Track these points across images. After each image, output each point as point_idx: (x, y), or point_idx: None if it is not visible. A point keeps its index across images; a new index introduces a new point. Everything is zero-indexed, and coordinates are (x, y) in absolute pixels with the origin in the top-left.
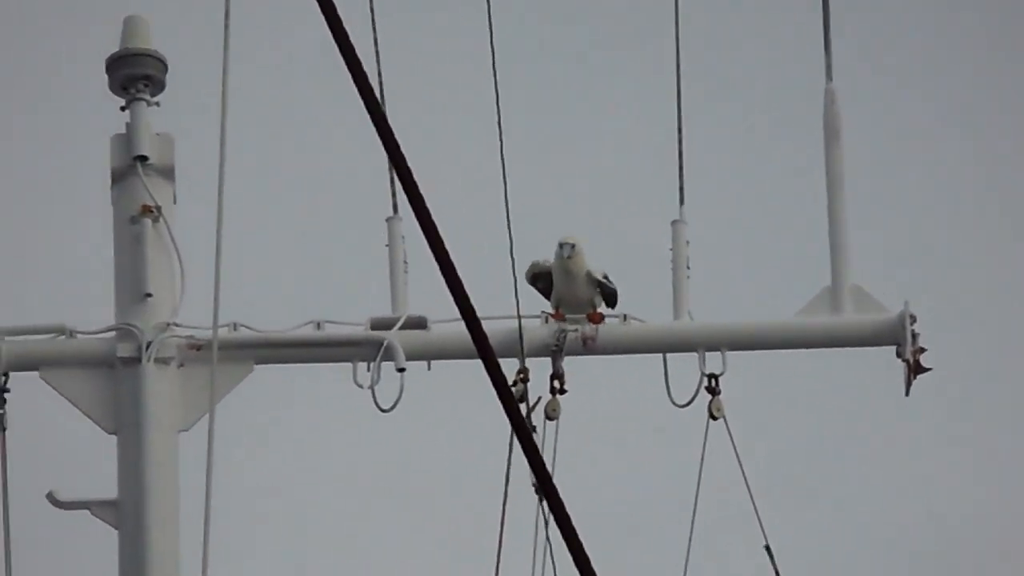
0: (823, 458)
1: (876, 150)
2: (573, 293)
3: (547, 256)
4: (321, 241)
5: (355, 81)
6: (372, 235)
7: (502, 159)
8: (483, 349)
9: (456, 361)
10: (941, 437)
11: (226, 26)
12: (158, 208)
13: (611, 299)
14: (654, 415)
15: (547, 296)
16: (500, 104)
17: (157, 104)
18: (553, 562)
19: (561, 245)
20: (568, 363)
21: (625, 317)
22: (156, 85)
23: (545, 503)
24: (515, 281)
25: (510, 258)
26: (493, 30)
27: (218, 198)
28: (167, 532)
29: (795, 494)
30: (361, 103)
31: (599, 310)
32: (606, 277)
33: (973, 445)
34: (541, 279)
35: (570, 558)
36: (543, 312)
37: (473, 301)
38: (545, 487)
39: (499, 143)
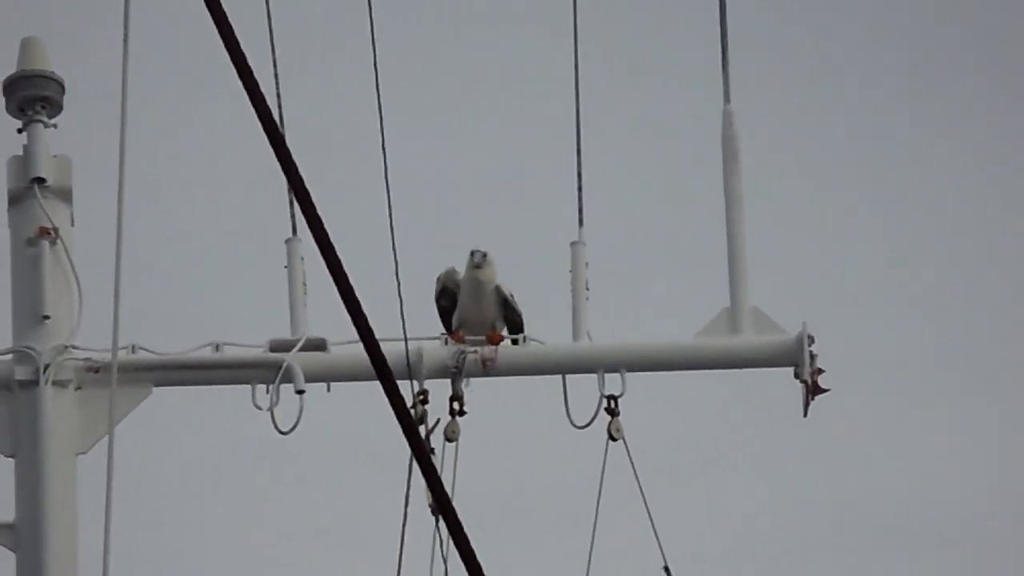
0: (721, 477)
1: (775, 171)
2: (478, 310)
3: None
4: (220, 262)
5: (253, 103)
6: (271, 256)
7: (386, 182)
8: (381, 371)
9: (356, 383)
10: (837, 456)
11: (125, 48)
12: (55, 230)
13: (517, 326)
14: (554, 436)
15: (448, 316)
16: (384, 129)
17: (55, 126)
18: None
19: (472, 253)
20: (470, 384)
21: (525, 338)
22: (53, 107)
23: (443, 524)
24: (400, 302)
25: (395, 279)
26: (376, 50)
27: (117, 220)
28: (65, 555)
29: (693, 513)
30: (260, 125)
31: (500, 333)
32: (512, 296)
33: (872, 461)
34: (446, 295)
35: None
36: (442, 334)
37: (373, 323)
38: (444, 508)
39: (384, 167)
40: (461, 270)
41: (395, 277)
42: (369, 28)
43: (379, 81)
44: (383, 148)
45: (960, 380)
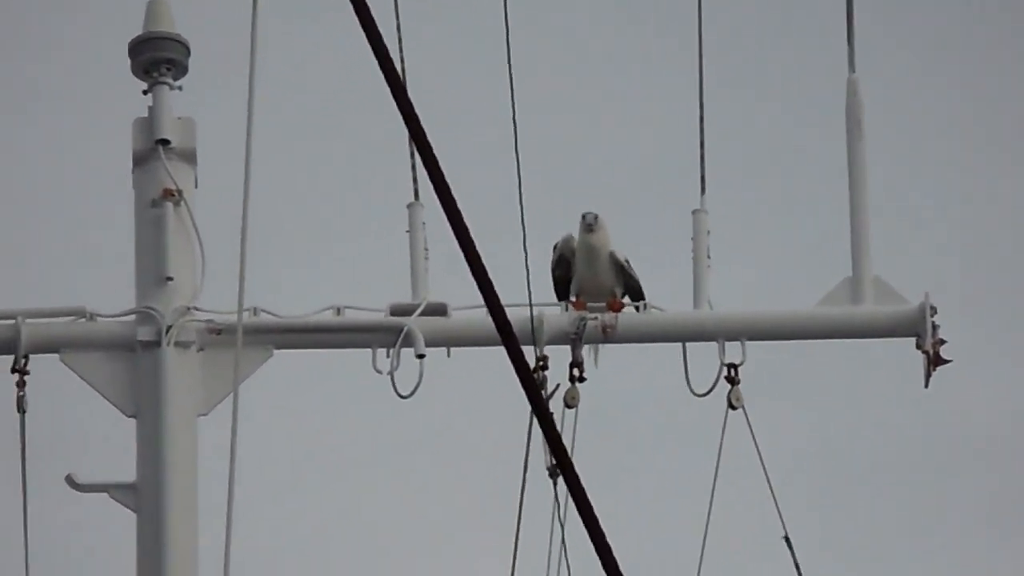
0: (843, 448)
1: (900, 142)
2: (595, 277)
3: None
4: (342, 226)
5: (381, 67)
6: (394, 221)
7: (516, 154)
8: (506, 335)
9: (475, 348)
10: (959, 430)
11: (254, 10)
12: (179, 192)
13: (635, 291)
14: (673, 404)
15: (563, 285)
16: (515, 97)
17: (180, 88)
18: (564, 546)
19: (584, 216)
20: (589, 355)
21: (645, 306)
22: (178, 69)
23: (562, 485)
24: (527, 270)
25: (523, 250)
26: (509, 22)
27: (244, 183)
28: (186, 515)
29: (815, 485)
30: (387, 89)
31: (620, 300)
32: (628, 262)
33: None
34: (562, 265)
35: (589, 540)
36: (564, 301)
37: (495, 288)
38: (565, 471)
39: (514, 136)
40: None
41: (523, 247)
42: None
43: (509, 54)
44: (513, 119)
45: None
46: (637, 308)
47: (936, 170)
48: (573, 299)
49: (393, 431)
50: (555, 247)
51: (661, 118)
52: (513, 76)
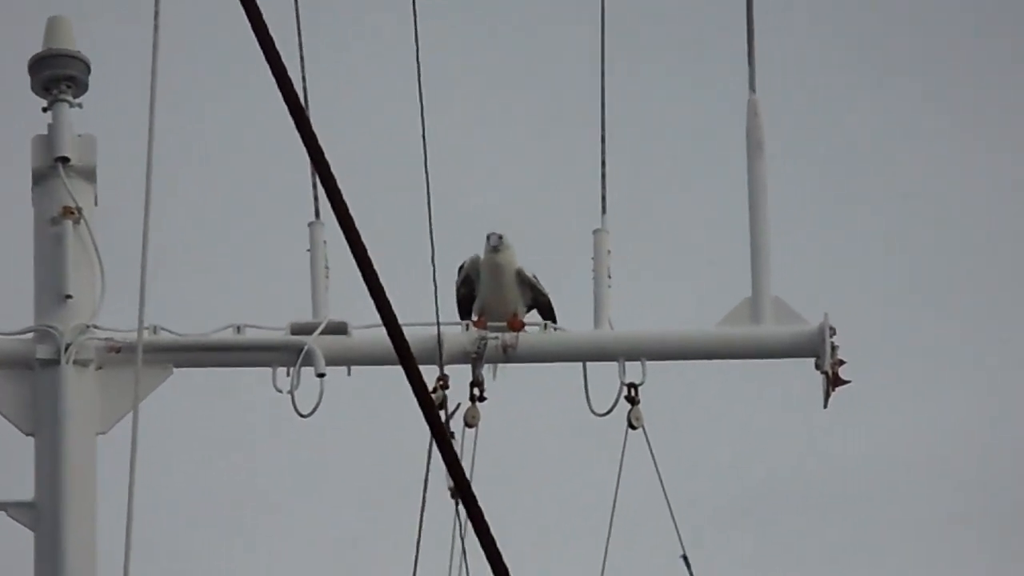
0: (741, 467)
1: (800, 162)
2: (500, 296)
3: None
4: (242, 245)
5: (279, 85)
6: (294, 240)
7: (426, 169)
8: (404, 355)
9: (376, 367)
10: (859, 449)
11: (155, 27)
12: (79, 209)
13: (546, 308)
14: (573, 424)
15: (466, 304)
16: (424, 112)
17: (80, 105)
18: (467, 567)
19: (488, 236)
20: (489, 371)
21: (546, 325)
22: (79, 86)
23: (463, 508)
24: (435, 287)
25: (431, 265)
26: (419, 39)
27: (145, 200)
28: (84, 534)
29: (715, 507)
30: (285, 107)
31: (522, 319)
32: (536, 278)
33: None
34: (467, 284)
35: (487, 564)
36: (466, 320)
37: (394, 307)
38: (463, 493)
39: (423, 152)
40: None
41: (431, 263)
42: (412, 16)
43: (420, 71)
44: (423, 138)
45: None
46: (544, 326)
47: (839, 190)
48: (475, 318)
49: (294, 450)
50: (461, 267)
51: (563, 139)
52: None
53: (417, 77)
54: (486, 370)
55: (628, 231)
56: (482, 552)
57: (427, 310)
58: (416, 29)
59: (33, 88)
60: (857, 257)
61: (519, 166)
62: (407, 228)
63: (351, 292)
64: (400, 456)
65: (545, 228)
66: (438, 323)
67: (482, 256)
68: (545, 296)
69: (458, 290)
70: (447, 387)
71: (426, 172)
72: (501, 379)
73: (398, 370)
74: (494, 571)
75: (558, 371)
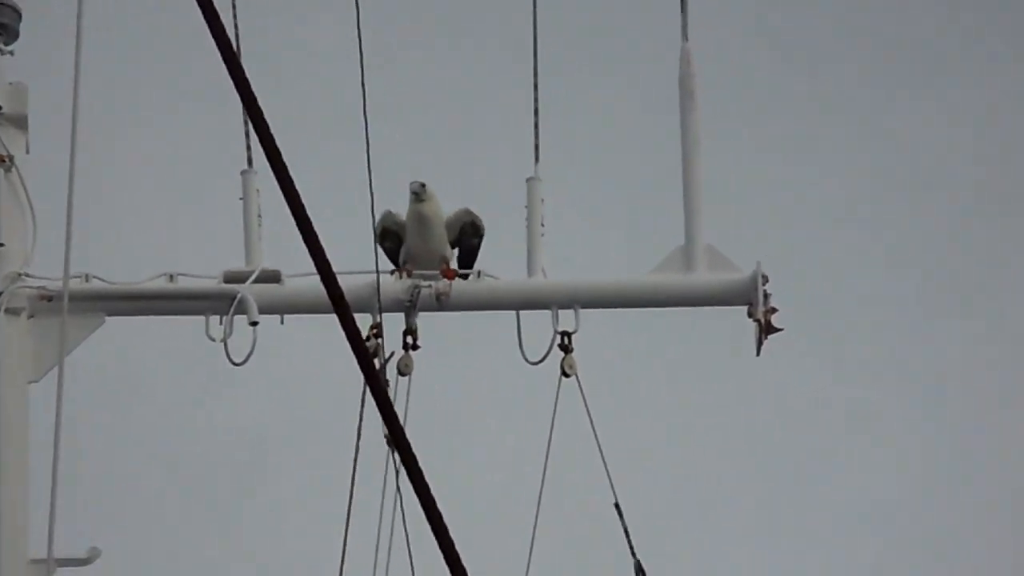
0: (673, 415)
1: (732, 110)
2: (426, 245)
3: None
4: (175, 193)
5: (211, 31)
6: (227, 188)
7: (365, 115)
8: (338, 304)
9: (310, 316)
10: (787, 395)
11: None
12: (11, 158)
13: (472, 252)
14: (508, 373)
15: (394, 258)
16: (363, 58)
17: (11, 53)
18: (403, 513)
19: (411, 184)
20: (423, 319)
21: (479, 273)
22: (10, 34)
23: (397, 456)
24: (375, 236)
25: (370, 213)
26: None
27: (71, 146)
28: (15, 482)
29: (643, 451)
30: (218, 53)
31: (452, 268)
32: (472, 212)
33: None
34: (390, 237)
35: (420, 509)
36: (393, 269)
37: (328, 256)
38: (397, 440)
39: (362, 98)
40: (399, 210)
41: (370, 212)
42: None
43: (359, 15)
44: (363, 84)
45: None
46: (466, 276)
47: (772, 139)
48: (401, 266)
49: (229, 399)
50: (376, 224)
51: (497, 87)
52: (361, 40)
53: (356, 22)
54: (419, 321)
55: (561, 179)
56: (416, 499)
57: (357, 260)
58: None
59: None
60: (791, 206)
61: (453, 113)
62: (340, 177)
63: (286, 241)
64: (335, 405)
65: (478, 176)
66: (377, 271)
67: (396, 210)
68: (482, 230)
69: (382, 244)
70: (381, 336)
71: (365, 117)
72: (434, 327)
73: (332, 319)
74: (428, 518)
75: (491, 319)
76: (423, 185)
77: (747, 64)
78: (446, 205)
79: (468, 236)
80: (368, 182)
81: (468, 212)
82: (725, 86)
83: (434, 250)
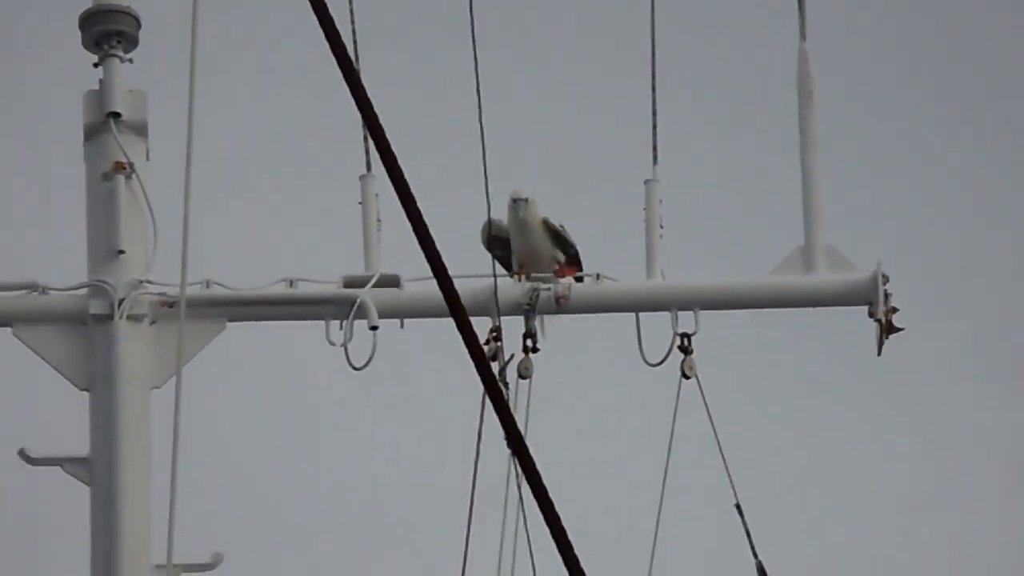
0: (795, 416)
1: (852, 110)
2: (532, 249)
3: (501, 217)
4: (295, 199)
5: (328, 38)
6: (346, 193)
7: (480, 122)
8: (455, 308)
9: (429, 320)
10: (909, 398)
11: None
12: (131, 165)
13: (572, 258)
14: (627, 374)
15: (505, 264)
16: (478, 64)
17: (130, 60)
18: (525, 518)
19: (514, 200)
20: (539, 325)
21: (598, 276)
22: (129, 41)
23: (516, 461)
24: (492, 238)
25: (487, 216)
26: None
27: (187, 155)
28: (139, 488)
29: (768, 453)
30: (334, 60)
31: (565, 267)
32: (563, 228)
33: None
34: (497, 245)
35: (541, 514)
36: (512, 273)
37: (446, 259)
38: (516, 445)
39: (477, 106)
40: (500, 217)
41: (487, 214)
42: None
43: (473, 24)
44: (477, 90)
45: None
46: (579, 279)
47: (895, 133)
48: (518, 270)
49: (349, 403)
50: (481, 232)
51: (614, 89)
52: (475, 50)
53: (471, 29)
54: (539, 324)
55: (680, 180)
56: (536, 503)
57: (479, 262)
58: None
59: (84, 44)
60: (909, 207)
61: (570, 116)
62: (459, 180)
63: (404, 245)
64: (456, 409)
65: (596, 178)
66: (495, 275)
67: (495, 221)
68: (572, 247)
69: (492, 252)
70: (500, 339)
71: (480, 124)
72: (553, 330)
73: (451, 323)
74: (547, 522)
75: (606, 322)
76: (526, 200)
77: (868, 58)
78: (566, 210)
79: (566, 246)
80: (484, 188)
81: (559, 228)
82: (846, 82)
83: (543, 252)
